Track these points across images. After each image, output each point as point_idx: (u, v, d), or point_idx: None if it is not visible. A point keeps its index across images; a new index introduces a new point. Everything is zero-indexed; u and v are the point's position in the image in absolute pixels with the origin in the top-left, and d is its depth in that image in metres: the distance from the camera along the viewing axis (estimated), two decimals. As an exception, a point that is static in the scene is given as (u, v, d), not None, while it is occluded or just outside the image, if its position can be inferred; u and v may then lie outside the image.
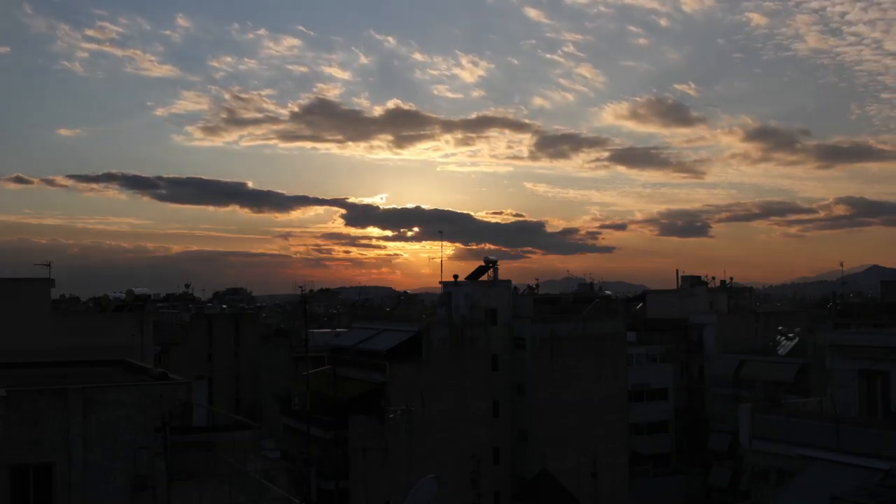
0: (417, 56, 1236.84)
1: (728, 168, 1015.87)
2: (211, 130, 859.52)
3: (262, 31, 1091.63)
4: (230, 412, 56.35)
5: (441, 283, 63.59)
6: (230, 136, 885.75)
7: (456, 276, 62.52)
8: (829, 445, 26.67)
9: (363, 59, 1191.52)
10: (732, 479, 61.76)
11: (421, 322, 60.76)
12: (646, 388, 72.11)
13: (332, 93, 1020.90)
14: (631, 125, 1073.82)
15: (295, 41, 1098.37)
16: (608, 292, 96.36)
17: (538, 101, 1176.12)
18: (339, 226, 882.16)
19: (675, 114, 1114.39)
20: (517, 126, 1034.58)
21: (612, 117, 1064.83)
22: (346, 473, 51.72)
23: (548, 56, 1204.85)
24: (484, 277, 62.25)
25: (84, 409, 21.49)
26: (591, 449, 54.35)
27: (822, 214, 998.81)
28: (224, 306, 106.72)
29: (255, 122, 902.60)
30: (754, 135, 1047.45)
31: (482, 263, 63.25)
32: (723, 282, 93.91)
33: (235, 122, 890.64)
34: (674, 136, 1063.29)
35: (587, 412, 58.60)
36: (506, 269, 63.29)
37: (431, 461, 47.08)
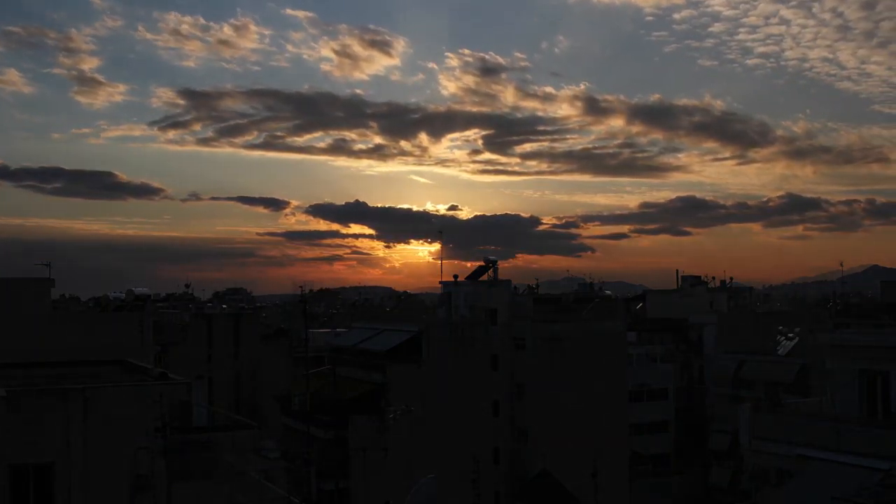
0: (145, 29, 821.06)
1: (633, 155, 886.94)
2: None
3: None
4: (230, 412, 56.27)
5: (441, 283, 63.61)
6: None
7: (456, 276, 62.59)
8: (829, 445, 26.71)
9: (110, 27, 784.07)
10: (732, 479, 61.72)
11: (421, 322, 60.77)
12: (646, 388, 72.05)
13: (86, 66, 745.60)
14: (471, 99, 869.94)
15: None
16: (608, 292, 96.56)
17: (333, 71, 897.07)
18: (276, 223, 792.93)
19: (517, 85, 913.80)
20: (338, 104, 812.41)
21: (437, 87, 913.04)
22: (346, 473, 51.79)
23: (289, 12, 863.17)
24: (484, 277, 62.28)
25: (84, 409, 21.50)
26: (591, 449, 54.25)
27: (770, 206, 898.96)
28: (224, 306, 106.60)
29: (49, 102, 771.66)
30: (635, 113, 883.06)
31: (481, 263, 63.32)
32: (723, 282, 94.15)
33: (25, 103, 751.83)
34: (539, 115, 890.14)
35: (587, 412, 58.47)
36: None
37: (431, 461, 47.04)
